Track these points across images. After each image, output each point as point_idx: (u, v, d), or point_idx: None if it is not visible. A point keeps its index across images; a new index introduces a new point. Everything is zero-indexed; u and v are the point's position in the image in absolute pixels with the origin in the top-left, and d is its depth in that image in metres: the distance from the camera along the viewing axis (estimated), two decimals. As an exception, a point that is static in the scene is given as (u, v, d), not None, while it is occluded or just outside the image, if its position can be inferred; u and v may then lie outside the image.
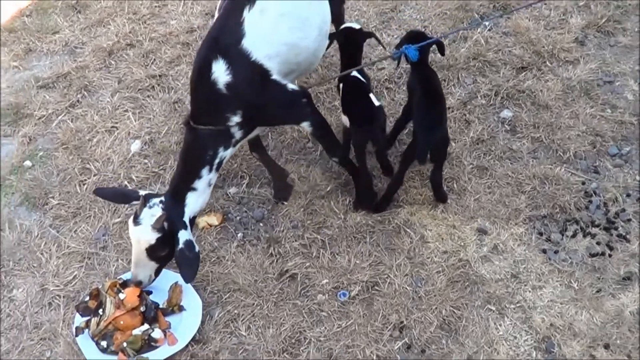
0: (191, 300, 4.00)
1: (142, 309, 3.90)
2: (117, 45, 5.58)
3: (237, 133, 3.82)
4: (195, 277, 3.76)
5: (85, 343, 3.84)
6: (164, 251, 3.70)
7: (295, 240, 4.23)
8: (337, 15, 4.62)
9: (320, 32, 4.04)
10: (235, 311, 3.98)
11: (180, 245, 3.62)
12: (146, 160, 4.77)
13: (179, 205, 3.74)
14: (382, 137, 4.35)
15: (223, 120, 3.73)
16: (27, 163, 4.87)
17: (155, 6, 5.91)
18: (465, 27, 5.30)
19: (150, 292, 4.01)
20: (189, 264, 3.65)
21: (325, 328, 3.83)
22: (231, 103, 3.70)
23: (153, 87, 5.24)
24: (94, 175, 4.72)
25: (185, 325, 3.91)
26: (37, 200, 4.63)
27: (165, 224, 3.63)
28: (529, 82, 4.88)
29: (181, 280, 3.91)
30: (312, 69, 4.45)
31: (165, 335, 3.86)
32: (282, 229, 4.31)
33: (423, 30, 4.96)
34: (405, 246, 4.12)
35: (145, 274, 3.80)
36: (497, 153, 4.51)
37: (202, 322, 3.91)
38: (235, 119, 3.73)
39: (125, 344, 3.79)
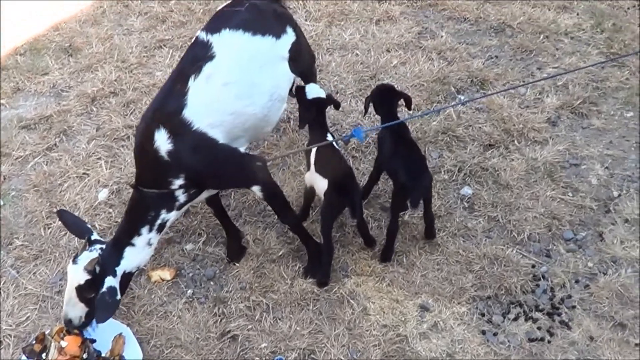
0: (133, 352, 4.15)
1: (85, 355, 4.06)
2: (101, 92, 5.85)
3: (181, 197, 4.02)
4: (108, 319, 3.91)
5: (28, 384, 4.04)
6: (90, 294, 3.86)
7: (241, 302, 4.39)
8: (308, 75, 4.81)
9: (271, 98, 4.22)
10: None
11: (103, 289, 3.82)
12: (111, 210, 4.99)
13: (117, 255, 3.95)
14: (360, 205, 4.48)
15: (166, 184, 3.94)
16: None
17: (144, 56, 6.20)
18: (433, 110, 5.46)
19: (93, 341, 4.14)
20: (105, 307, 3.83)
21: (257, 392, 3.98)
22: (173, 169, 3.91)
23: (128, 137, 5.48)
24: (53, 220, 4.94)
25: None
26: (2, 240, 4.87)
27: (97, 269, 3.83)
28: (494, 160, 5.03)
29: (125, 332, 4.16)
30: (266, 132, 4.61)
31: None
32: (230, 289, 4.47)
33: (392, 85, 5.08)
34: (346, 317, 4.25)
35: (75, 314, 3.94)
36: (452, 230, 4.64)
37: None
38: (178, 182, 3.93)
39: None
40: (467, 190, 4.88)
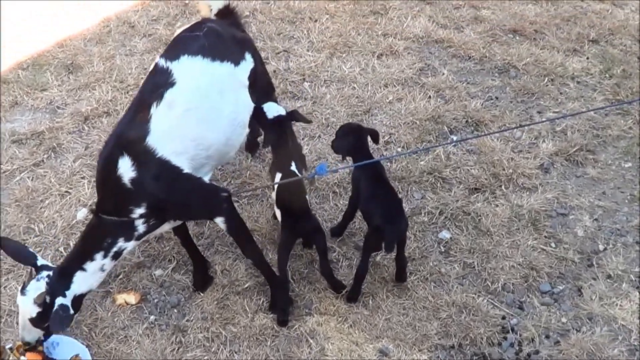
0: None
1: (42, 377, 4.16)
2: (94, 112, 5.93)
3: (141, 227, 4.02)
4: (63, 330, 4.00)
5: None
6: (44, 322, 3.90)
7: (201, 332, 4.39)
8: (267, 86, 4.83)
9: (232, 123, 4.26)
10: None
11: (55, 307, 3.84)
12: (87, 229, 5.03)
13: (66, 282, 3.94)
14: (321, 237, 4.47)
15: (126, 212, 3.95)
16: (-17, 215, 5.23)
17: (142, 77, 6.27)
18: (420, 149, 5.44)
19: None
20: (59, 321, 3.84)
21: None
22: (135, 197, 3.93)
23: (114, 157, 5.51)
24: (36, 237, 5.00)
25: None
26: (-19, 256, 4.97)
27: (47, 298, 3.84)
28: (478, 205, 4.97)
29: (83, 353, 4.20)
30: (229, 158, 4.64)
31: None
32: (192, 318, 4.47)
33: (360, 123, 5.02)
34: (303, 356, 4.21)
35: (31, 337, 3.99)
36: (424, 274, 4.59)
37: None
38: (139, 211, 3.95)
39: None
40: (445, 234, 4.83)
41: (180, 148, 3.98)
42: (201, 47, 4.17)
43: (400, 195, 4.95)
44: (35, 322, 3.90)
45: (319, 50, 6.38)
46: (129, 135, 3.93)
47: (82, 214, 5.12)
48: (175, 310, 4.55)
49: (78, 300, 4.06)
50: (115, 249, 4.02)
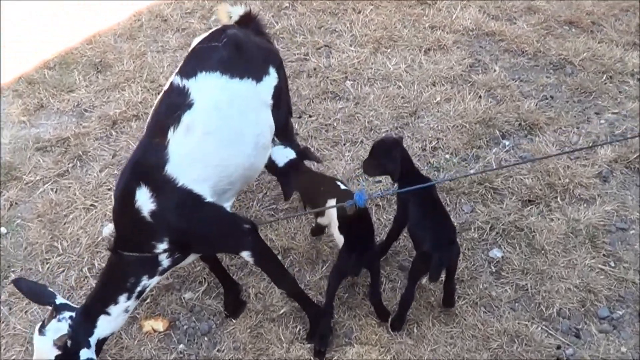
0: None
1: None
2: (123, 115, 5.74)
3: (165, 261, 3.80)
4: None
5: None
6: None
7: (233, 365, 4.22)
8: (282, 128, 4.47)
9: (256, 146, 4.01)
10: None
11: None
12: (113, 248, 4.86)
13: (89, 325, 3.74)
14: (378, 261, 4.25)
15: (149, 248, 3.73)
16: (3, 230, 5.08)
17: (173, 77, 6.08)
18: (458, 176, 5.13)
19: None
20: None
21: None
22: (157, 231, 3.69)
23: (143, 167, 5.33)
24: (59, 256, 4.86)
25: None
26: (0, 273, 4.82)
27: (69, 342, 3.63)
28: (532, 219, 4.68)
29: None
30: (251, 182, 4.44)
31: None
32: (223, 348, 4.29)
33: (399, 136, 4.62)
34: (341, 392, 4.03)
35: None
36: (473, 298, 4.33)
37: None
38: (162, 246, 3.72)
39: None
40: (496, 253, 4.55)
41: (202, 175, 3.75)
42: (220, 62, 3.90)
43: (448, 208, 4.73)
44: None
45: (363, 45, 6.09)
46: (146, 163, 3.69)
47: (108, 229, 4.94)
48: (206, 339, 4.36)
49: (100, 344, 3.86)
50: (139, 288, 3.81)
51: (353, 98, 5.61)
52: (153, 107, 3.94)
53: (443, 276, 4.13)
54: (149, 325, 4.45)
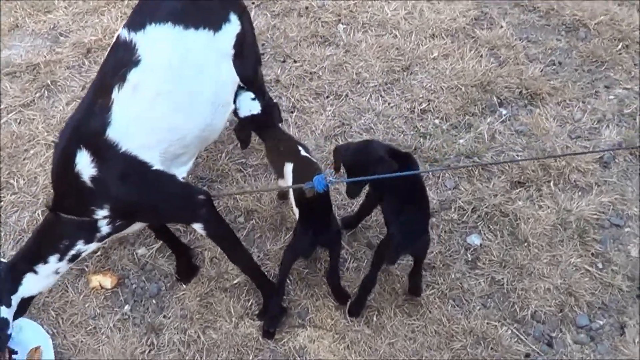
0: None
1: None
2: (98, 44, 5.22)
3: (105, 228, 3.34)
4: None
5: None
6: None
7: (177, 334, 3.83)
8: (251, 80, 3.96)
9: (213, 105, 3.50)
10: None
11: None
12: (70, 190, 4.42)
13: (13, 282, 3.36)
14: (339, 241, 3.76)
15: (87, 213, 3.27)
16: (-44, 160, 4.67)
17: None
18: (439, 168, 4.49)
19: (15, 352, 3.76)
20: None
21: None
22: (97, 197, 3.22)
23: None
24: (13, 194, 4.45)
25: None
26: (-53, 206, 4.44)
27: None
28: (519, 204, 4.15)
29: (45, 344, 3.79)
30: (210, 142, 3.94)
31: None
32: (169, 314, 3.91)
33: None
34: (286, 379, 3.63)
35: None
36: (443, 288, 3.86)
37: None
38: (102, 213, 3.26)
39: None
40: (475, 239, 4.05)
41: (150, 140, 3.24)
42: (172, 11, 3.32)
43: (429, 182, 4.24)
44: None
45: (361, -16, 5.45)
46: (87, 125, 3.18)
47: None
48: (154, 302, 3.98)
49: (26, 303, 3.47)
50: (73, 252, 3.36)
51: (343, 45, 5.02)
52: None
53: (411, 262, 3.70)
54: (96, 280, 4.07)
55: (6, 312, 3.33)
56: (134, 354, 3.78)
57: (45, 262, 3.36)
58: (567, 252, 3.95)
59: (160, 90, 3.24)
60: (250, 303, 3.90)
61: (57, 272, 3.43)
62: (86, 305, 3.98)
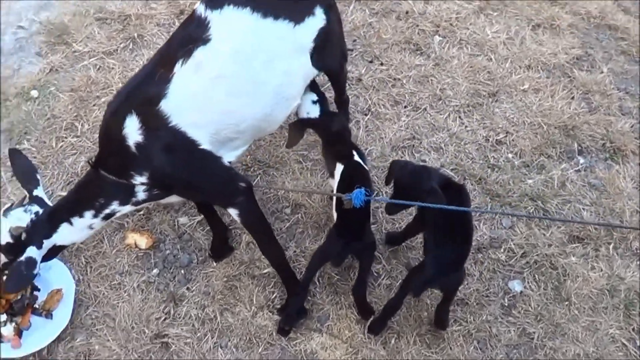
0: (63, 312, 3.86)
1: (18, 296, 3.86)
2: (192, 7, 5.22)
3: (141, 194, 3.39)
4: (17, 291, 3.62)
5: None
6: (8, 256, 3.42)
7: (195, 309, 3.86)
8: (336, 74, 3.99)
9: (276, 97, 3.46)
10: (95, 347, 3.78)
11: (22, 258, 3.33)
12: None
13: (50, 227, 3.43)
14: (371, 255, 3.72)
15: (127, 176, 3.31)
16: (34, 93, 4.79)
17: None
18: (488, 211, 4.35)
19: (38, 289, 3.92)
20: (17, 278, 3.35)
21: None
22: (139, 163, 3.26)
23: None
24: (76, 137, 4.55)
25: (41, 334, 3.81)
26: (14, 135, 4.57)
27: (24, 235, 3.36)
28: (571, 260, 3.97)
29: (68, 289, 3.90)
30: (267, 133, 3.94)
31: (17, 334, 3.79)
32: (194, 288, 3.95)
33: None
34: (289, 380, 3.60)
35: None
36: (470, 327, 3.74)
37: (58, 339, 3.77)
38: (141, 179, 3.29)
39: None
40: (516, 286, 3.91)
41: (202, 120, 3.25)
42: None
43: (485, 217, 4.10)
44: (3, 249, 3.41)
45: (469, 0, 5.27)
46: (143, 92, 3.21)
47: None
48: (182, 272, 4.01)
49: (55, 251, 3.54)
50: (107, 211, 3.42)
51: (435, 57, 4.90)
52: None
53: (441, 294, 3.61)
54: (133, 238, 4.14)
55: (36, 253, 3.38)
56: (149, 318, 3.83)
57: (81, 216, 3.42)
58: (608, 321, 3.77)
59: (222, 73, 3.24)
60: (274, 296, 3.88)
61: (91, 228, 3.49)
62: (117, 260, 4.04)
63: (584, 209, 4.19)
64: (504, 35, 5.05)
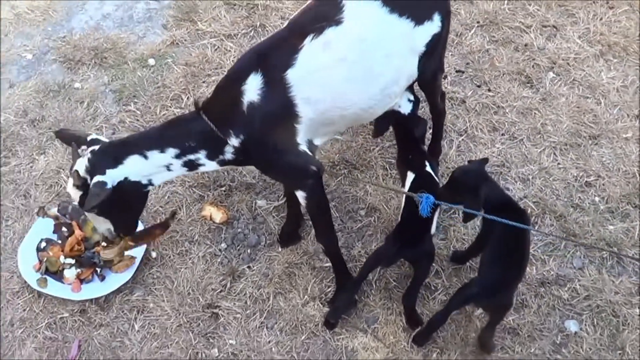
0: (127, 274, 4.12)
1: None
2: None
3: (228, 155, 3.50)
4: (95, 207, 3.42)
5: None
6: (90, 206, 3.39)
7: (251, 287, 4.05)
8: (429, 83, 4.03)
9: (383, 92, 3.60)
10: (149, 304, 4.02)
11: (91, 185, 3.34)
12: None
13: (113, 158, 3.41)
14: (427, 265, 3.83)
15: (224, 131, 3.42)
16: (151, 61, 5.12)
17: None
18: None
19: None
20: (94, 194, 3.32)
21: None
22: (242, 123, 3.39)
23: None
24: (179, 108, 4.86)
25: (102, 284, 4.08)
26: (123, 97, 4.92)
27: (88, 177, 3.37)
28: (635, 312, 3.88)
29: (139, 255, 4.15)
30: (355, 125, 4.16)
31: (77, 279, 4.07)
32: (255, 267, 4.15)
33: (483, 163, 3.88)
34: (325, 372, 3.73)
35: (102, 228, 3.70)
36: (515, 357, 3.73)
37: (118, 290, 4.04)
38: (235, 141, 3.42)
39: (46, 259, 4.08)
40: (572, 326, 3.86)
41: (316, 97, 3.40)
42: None
43: (559, 254, 4.11)
44: (83, 206, 3.48)
45: (591, 43, 5.23)
46: (274, 56, 3.39)
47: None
48: (248, 251, 4.22)
49: (128, 188, 3.46)
50: (192, 157, 3.48)
51: (543, 92, 4.89)
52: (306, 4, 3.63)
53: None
54: (209, 211, 4.35)
55: (102, 178, 3.34)
56: (206, 288, 4.04)
57: (162, 151, 3.43)
58: (660, 380, 3.70)
59: (346, 57, 3.40)
60: (329, 290, 4.02)
61: (168, 169, 3.49)
62: (189, 229, 4.27)
63: (660, 263, 4.11)
64: (619, 82, 4.98)
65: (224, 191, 4.42)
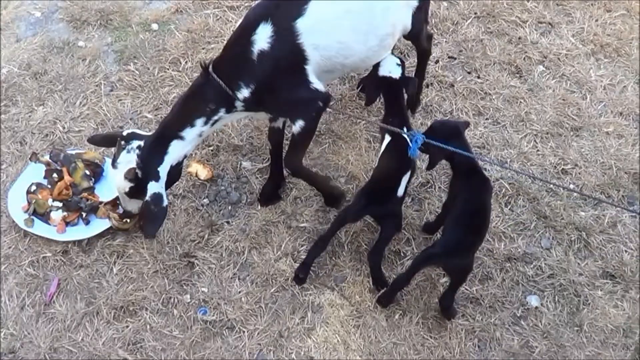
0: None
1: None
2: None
3: (239, 104, 3.71)
4: (157, 231, 3.91)
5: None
6: (139, 196, 3.75)
7: (228, 241, 4.21)
8: (416, 36, 4.40)
9: (380, 43, 3.93)
10: (129, 251, 4.19)
11: (147, 198, 3.67)
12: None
13: (159, 153, 3.71)
14: (391, 226, 4.00)
15: (233, 85, 3.65)
16: (155, 26, 5.30)
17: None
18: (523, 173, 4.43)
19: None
20: (152, 218, 3.72)
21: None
22: (252, 72, 3.62)
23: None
24: (177, 71, 5.01)
25: (85, 227, 4.25)
26: (124, 57, 5.10)
27: (139, 173, 3.68)
28: (597, 294, 4.03)
29: None
30: (352, 72, 4.50)
31: (63, 221, 4.23)
32: (233, 223, 4.30)
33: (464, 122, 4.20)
34: (288, 323, 3.91)
35: (132, 207, 3.93)
36: (475, 326, 3.90)
37: (100, 235, 4.21)
38: (245, 92, 3.65)
39: (34, 201, 4.24)
40: (533, 300, 4.01)
41: (323, 44, 3.68)
42: None
43: (529, 233, 4.26)
44: (132, 195, 3.79)
45: (584, 42, 5.38)
46: (282, 7, 3.64)
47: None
48: (229, 208, 4.38)
49: (176, 172, 3.86)
50: (215, 117, 3.75)
51: (531, 83, 5.04)
52: None
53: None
54: (195, 168, 4.51)
55: (157, 187, 3.69)
56: (185, 239, 4.20)
57: (192, 125, 3.71)
58: (614, 357, 3.82)
59: (351, 9, 3.72)
60: (302, 248, 4.17)
61: (200, 135, 3.79)
62: (175, 184, 4.41)
63: (626, 251, 4.23)
64: (607, 80, 5.12)
65: (212, 150, 4.58)
